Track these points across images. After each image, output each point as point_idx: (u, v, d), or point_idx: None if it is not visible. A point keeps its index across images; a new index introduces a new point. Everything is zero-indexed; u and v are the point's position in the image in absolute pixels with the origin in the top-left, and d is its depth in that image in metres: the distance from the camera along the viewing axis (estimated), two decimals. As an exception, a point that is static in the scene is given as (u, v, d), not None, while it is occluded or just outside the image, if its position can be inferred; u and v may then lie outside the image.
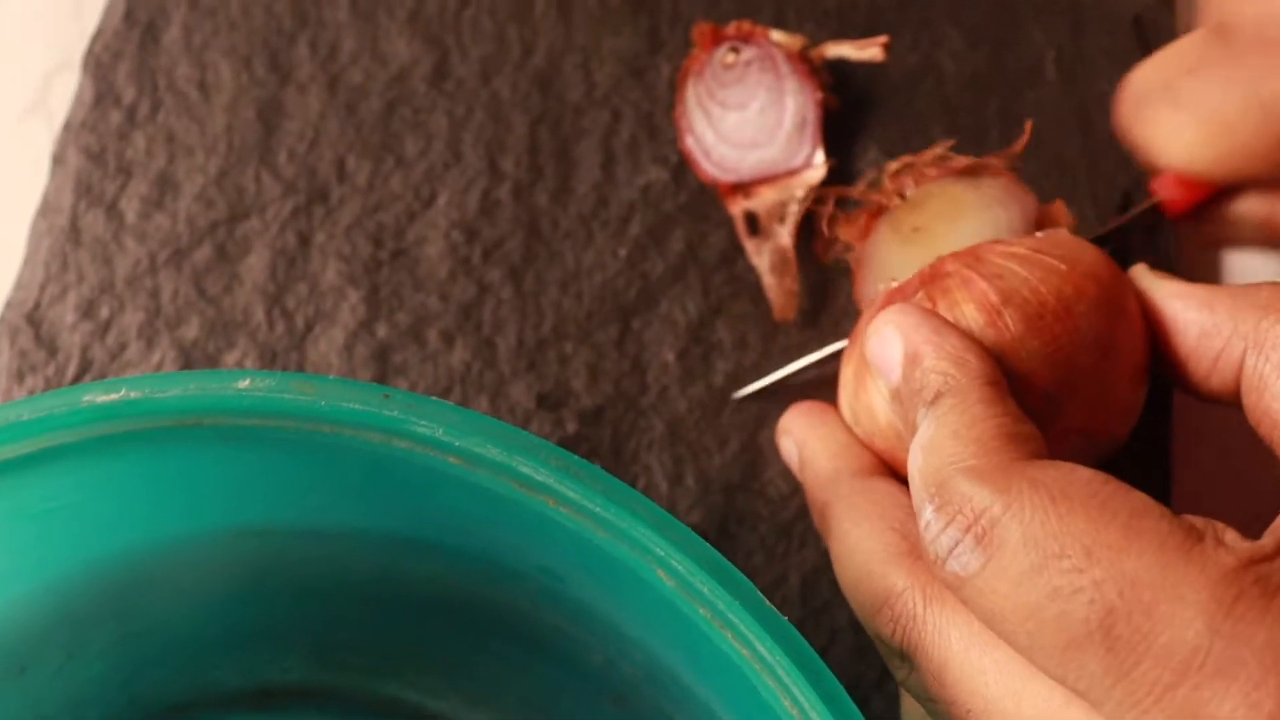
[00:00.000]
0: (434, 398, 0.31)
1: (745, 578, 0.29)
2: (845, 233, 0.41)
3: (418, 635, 0.39)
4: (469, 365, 0.44)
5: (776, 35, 0.45)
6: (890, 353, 0.33)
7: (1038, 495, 0.27)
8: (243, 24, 0.48)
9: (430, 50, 0.47)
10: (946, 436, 0.30)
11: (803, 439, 0.38)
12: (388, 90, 0.47)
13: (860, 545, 0.33)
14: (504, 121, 0.47)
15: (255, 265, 0.45)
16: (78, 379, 0.44)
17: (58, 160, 0.46)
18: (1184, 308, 0.34)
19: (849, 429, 0.37)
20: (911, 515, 0.32)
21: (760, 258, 0.44)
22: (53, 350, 0.44)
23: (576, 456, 0.30)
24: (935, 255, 0.37)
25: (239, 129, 0.47)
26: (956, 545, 0.28)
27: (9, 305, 0.44)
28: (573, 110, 0.47)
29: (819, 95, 0.45)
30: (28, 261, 0.45)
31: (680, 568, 0.29)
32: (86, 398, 0.31)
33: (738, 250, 0.45)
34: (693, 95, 0.46)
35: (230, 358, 0.44)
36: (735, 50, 0.45)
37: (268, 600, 0.39)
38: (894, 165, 0.41)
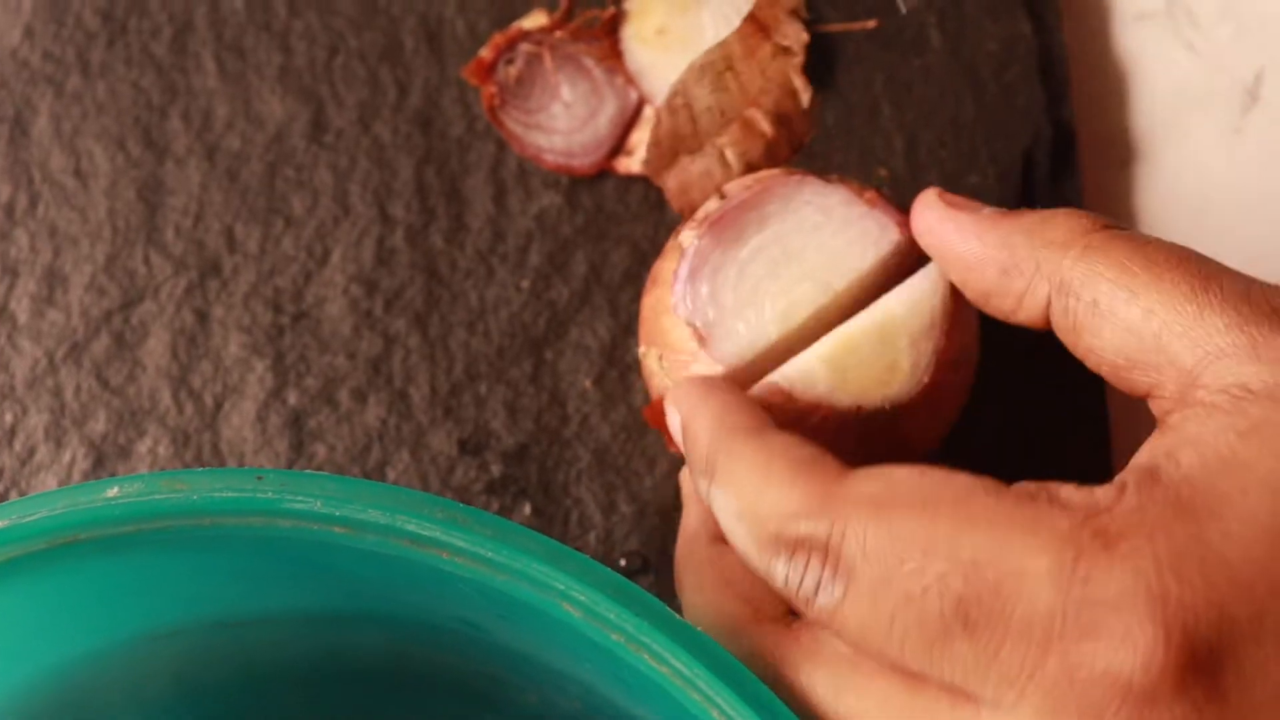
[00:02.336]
0: (309, 471, 0.31)
1: (652, 596, 0.29)
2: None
3: (360, 707, 0.39)
4: (385, 421, 0.43)
5: (526, 23, 0.45)
6: (676, 432, 0.34)
7: (861, 510, 0.27)
8: (111, 105, 0.47)
9: (305, 105, 0.47)
10: (749, 495, 0.30)
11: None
12: (267, 152, 0.46)
13: (704, 618, 0.33)
14: (389, 167, 0.46)
15: (156, 349, 0.44)
16: (-10, 490, 0.43)
17: (-60, 272, 0.45)
18: (981, 245, 0.33)
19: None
20: (757, 580, 0.31)
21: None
22: (-39, 464, 0.43)
23: (461, 505, 0.30)
24: (692, 52, 0.42)
25: (121, 212, 0.46)
26: (819, 583, 0.28)
27: (-91, 426, 0.44)
28: (457, 145, 0.46)
29: (604, 56, 0.45)
30: (-76, 378, 0.44)
31: (583, 597, 0.29)
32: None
33: (641, 265, 0.44)
34: (512, 123, 0.45)
35: (142, 446, 0.43)
36: (510, 62, 0.45)
37: (206, 697, 0.39)
38: None
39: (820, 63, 0.46)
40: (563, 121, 0.45)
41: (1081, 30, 0.49)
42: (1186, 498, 0.26)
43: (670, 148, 0.44)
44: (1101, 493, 0.26)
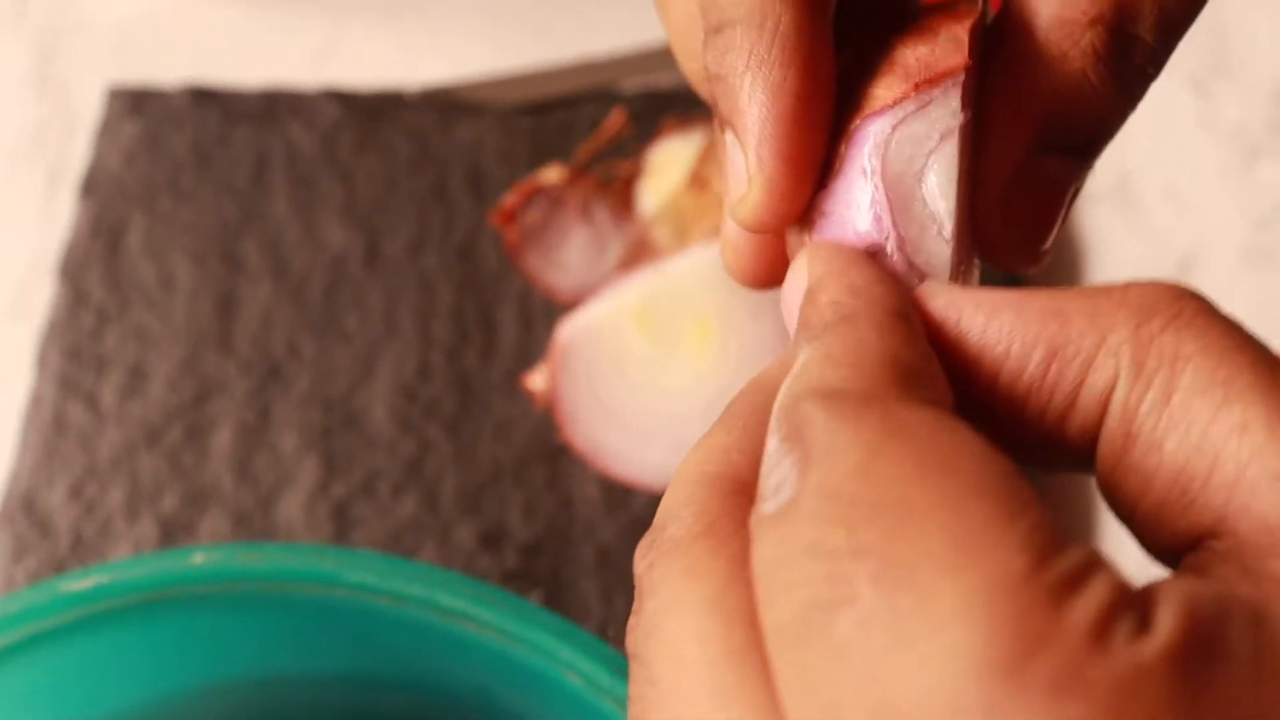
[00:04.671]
0: (363, 549, 0.37)
1: None
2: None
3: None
4: (417, 513, 0.50)
5: (544, 178, 0.52)
6: (794, 295, 0.25)
7: (883, 427, 0.19)
8: (195, 225, 0.54)
9: (362, 235, 0.54)
10: (818, 360, 0.22)
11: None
12: (328, 273, 0.53)
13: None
14: (432, 293, 0.53)
15: (222, 440, 0.51)
16: (70, 556, 0.49)
17: (42, 362, 0.52)
18: (1018, 320, 0.22)
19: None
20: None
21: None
22: (46, 531, 0.50)
23: (488, 585, 0.36)
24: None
25: (199, 319, 0.53)
26: (781, 480, 0.20)
27: (6, 495, 0.50)
28: (491, 277, 0.53)
29: (616, 205, 0.52)
30: (20, 453, 0.51)
31: (585, 668, 0.35)
32: (63, 586, 0.37)
33: (646, 391, 0.51)
34: (531, 262, 0.52)
35: (205, 524, 0.50)
36: (530, 209, 0.52)
37: None
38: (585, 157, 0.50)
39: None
40: (575, 262, 0.52)
41: (1040, 206, 0.56)
42: (1223, 687, 0.17)
43: None
44: (1124, 622, 0.17)
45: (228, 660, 0.42)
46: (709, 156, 0.51)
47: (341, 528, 0.49)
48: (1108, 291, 0.22)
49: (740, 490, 0.22)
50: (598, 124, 0.55)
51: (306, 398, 0.51)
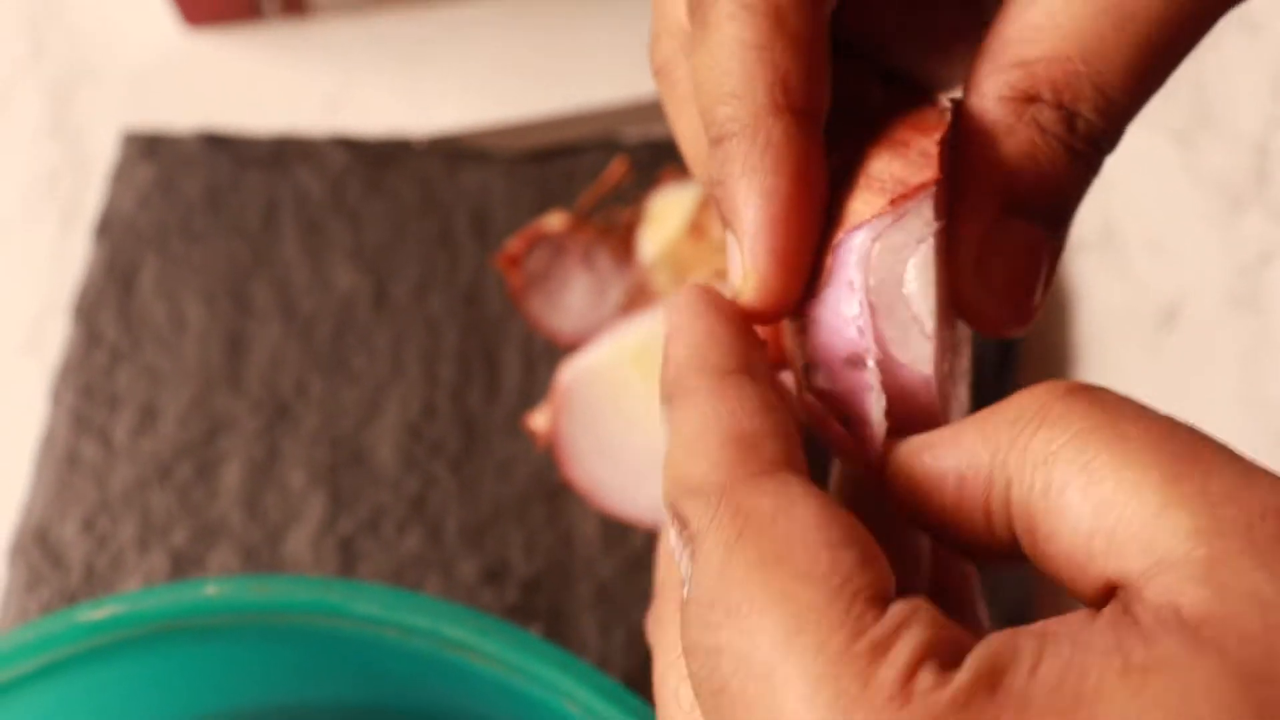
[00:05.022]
0: (369, 583, 0.38)
1: (635, 697, 0.36)
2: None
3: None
4: (421, 549, 0.51)
5: (547, 224, 0.53)
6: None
7: (733, 523, 0.23)
8: (207, 268, 0.55)
9: (370, 277, 0.55)
10: (679, 449, 0.25)
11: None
12: (336, 315, 0.55)
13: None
14: (438, 335, 0.54)
15: (231, 476, 0.52)
16: (82, 588, 0.50)
17: (56, 398, 0.53)
18: (933, 457, 0.25)
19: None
20: None
21: None
22: (58, 563, 0.51)
23: (491, 617, 0.38)
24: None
25: (209, 358, 0.54)
26: (686, 571, 0.24)
27: (20, 527, 0.51)
28: (495, 320, 0.55)
29: (616, 250, 0.53)
30: (33, 487, 0.52)
31: (583, 698, 0.36)
32: (80, 616, 0.39)
33: (645, 431, 0.52)
34: (533, 306, 0.53)
35: (214, 558, 0.51)
36: (533, 255, 0.53)
37: None
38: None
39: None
40: (576, 306, 0.54)
41: (1029, 254, 0.58)
42: None
43: None
44: (926, 675, 0.20)
45: (235, 691, 0.43)
46: (707, 205, 0.52)
47: (347, 562, 0.51)
48: (998, 409, 0.25)
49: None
50: (599, 172, 0.56)
51: (314, 436, 0.53)
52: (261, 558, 0.51)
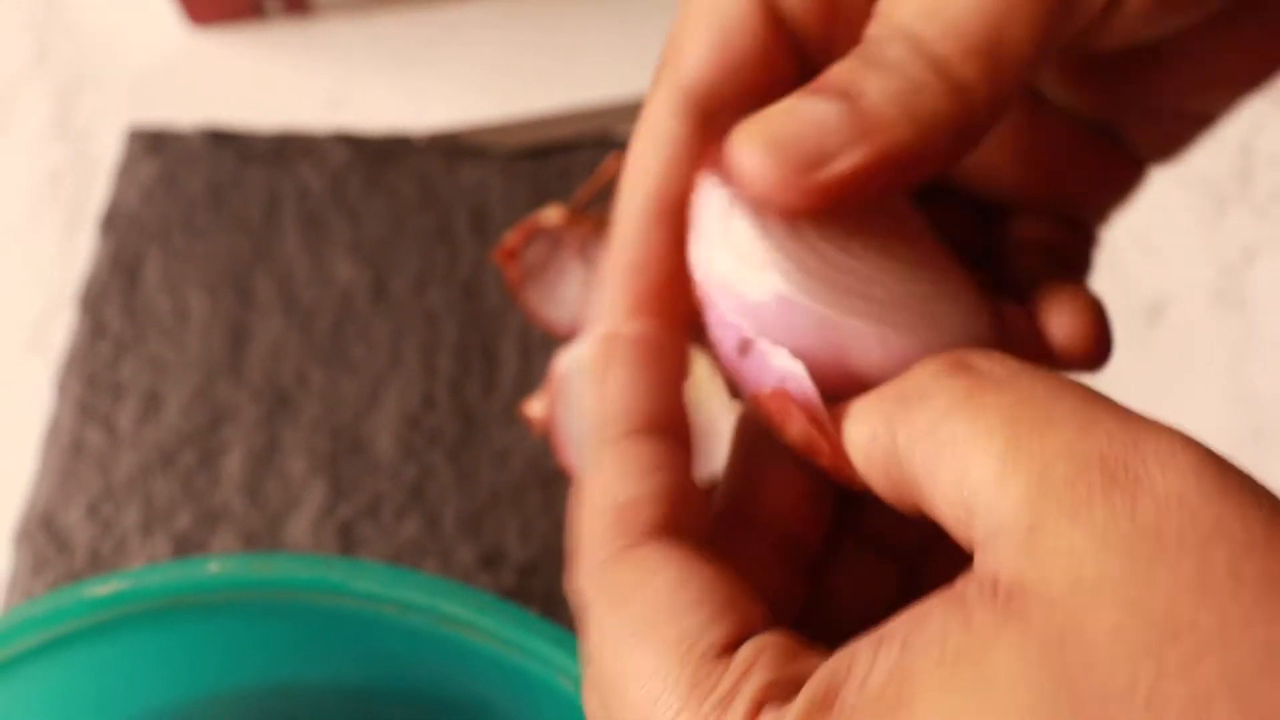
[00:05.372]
0: (369, 561, 0.39)
1: None
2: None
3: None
4: (419, 535, 0.52)
5: (543, 219, 0.54)
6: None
7: (603, 601, 0.25)
8: (210, 261, 0.56)
9: (369, 271, 0.56)
10: (582, 512, 0.27)
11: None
12: (336, 308, 0.56)
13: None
14: (436, 327, 0.55)
15: (233, 463, 0.53)
16: (86, 571, 0.51)
17: (62, 388, 0.54)
18: (852, 429, 0.26)
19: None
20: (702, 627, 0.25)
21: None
22: (63, 548, 0.52)
23: (485, 593, 0.38)
24: None
25: (212, 349, 0.55)
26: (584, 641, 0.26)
27: (26, 513, 0.52)
28: (493, 312, 0.56)
29: (606, 242, 0.54)
30: (40, 475, 0.53)
31: (576, 671, 0.37)
32: (87, 591, 0.40)
33: (639, 420, 0.53)
34: (530, 298, 0.54)
35: (216, 543, 0.52)
36: (529, 248, 0.54)
37: None
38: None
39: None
40: (572, 298, 0.55)
41: (1017, 251, 0.59)
42: None
43: None
44: (769, 714, 0.22)
45: (237, 668, 0.44)
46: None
47: (347, 548, 0.52)
48: (896, 384, 0.25)
49: None
50: (595, 168, 0.57)
51: (314, 425, 0.54)
52: (262, 543, 0.52)
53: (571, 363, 0.50)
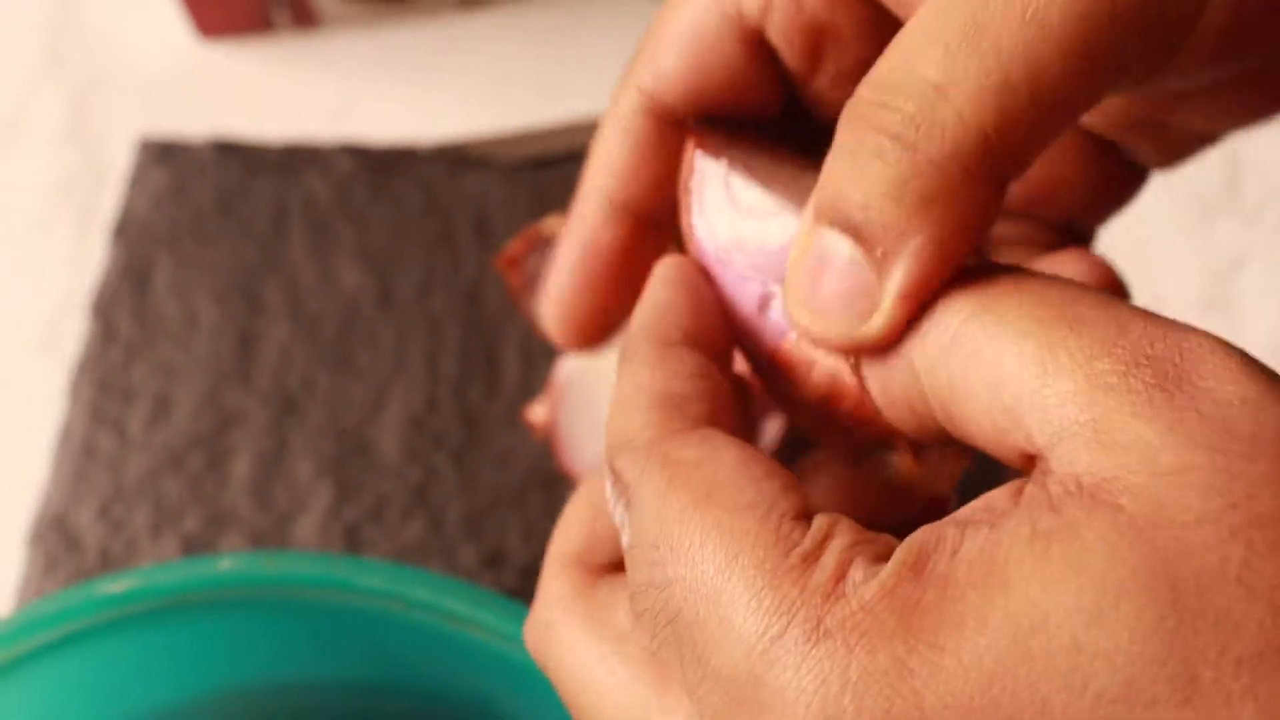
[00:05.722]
0: (376, 559, 0.40)
1: None
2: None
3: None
4: (423, 536, 0.53)
5: (544, 227, 0.55)
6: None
7: (663, 472, 0.25)
8: (218, 268, 0.58)
9: (375, 278, 0.58)
10: (616, 407, 0.28)
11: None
12: (342, 314, 0.57)
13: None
14: (440, 332, 0.57)
15: (241, 466, 0.54)
16: (97, 571, 0.52)
17: (74, 392, 0.55)
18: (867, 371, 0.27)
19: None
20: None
21: None
22: (74, 548, 0.53)
23: (490, 592, 0.40)
24: None
25: (221, 354, 0.56)
26: (621, 522, 0.27)
27: (39, 514, 0.54)
28: (496, 318, 0.57)
29: None
30: (52, 477, 0.54)
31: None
32: (100, 588, 0.41)
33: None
34: (532, 306, 0.55)
35: (224, 544, 0.53)
36: (531, 256, 0.55)
37: None
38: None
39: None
40: None
41: (1009, 259, 0.60)
42: (926, 605, 0.21)
43: None
44: (856, 570, 0.22)
45: (245, 665, 0.45)
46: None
47: (352, 548, 0.53)
48: None
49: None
50: (596, 177, 0.59)
51: (321, 428, 0.55)
52: (270, 544, 0.53)
53: (572, 368, 0.52)
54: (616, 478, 0.27)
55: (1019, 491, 0.22)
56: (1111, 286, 0.31)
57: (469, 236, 0.58)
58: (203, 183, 0.60)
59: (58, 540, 0.53)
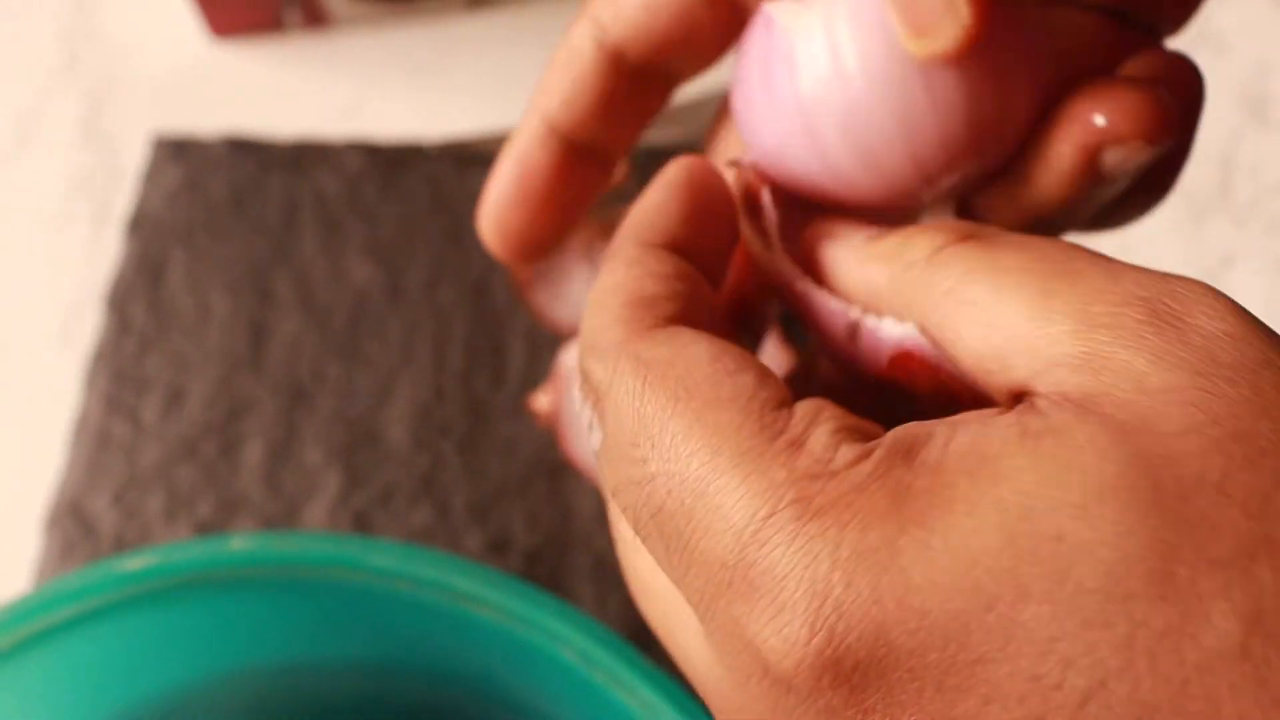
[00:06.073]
0: (384, 539, 0.41)
1: (628, 644, 0.39)
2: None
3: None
4: (430, 522, 0.54)
5: None
6: None
7: (636, 372, 0.25)
8: (231, 262, 0.59)
9: (384, 272, 0.59)
10: (590, 306, 0.28)
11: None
12: (352, 306, 0.58)
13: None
14: (447, 325, 0.58)
15: (252, 454, 0.56)
16: (111, 555, 0.54)
17: (90, 382, 0.57)
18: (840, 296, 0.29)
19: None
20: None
21: None
22: (90, 533, 0.54)
23: (496, 570, 0.41)
24: None
25: (233, 345, 0.58)
26: (590, 422, 0.27)
27: (55, 500, 0.55)
28: (502, 311, 0.58)
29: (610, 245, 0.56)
30: (68, 464, 0.56)
31: (580, 643, 0.40)
32: (118, 566, 0.42)
33: (640, 415, 0.56)
34: (537, 298, 0.57)
35: (236, 528, 0.54)
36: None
37: None
38: None
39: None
40: (577, 298, 0.57)
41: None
42: (917, 489, 0.22)
43: None
44: (845, 452, 0.23)
45: (257, 644, 0.46)
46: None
47: (361, 534, 0.54)
48: (901, 250, 0.27)
49: None
50: (600, 174, 0.60)
51: (330, 417, 0.56)
52: (280, 529, 0.54)
53: (574, 358, 0.53)
54: (585, 379, 0.27)
55: (1000, 410, 0.23)
56: (1189, 83, 0.30)
57: (475, 232, 0.60)
58: (215, 179, 0.61)
59: (74, 525, 0.54)
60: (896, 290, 0.27)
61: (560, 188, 0.35)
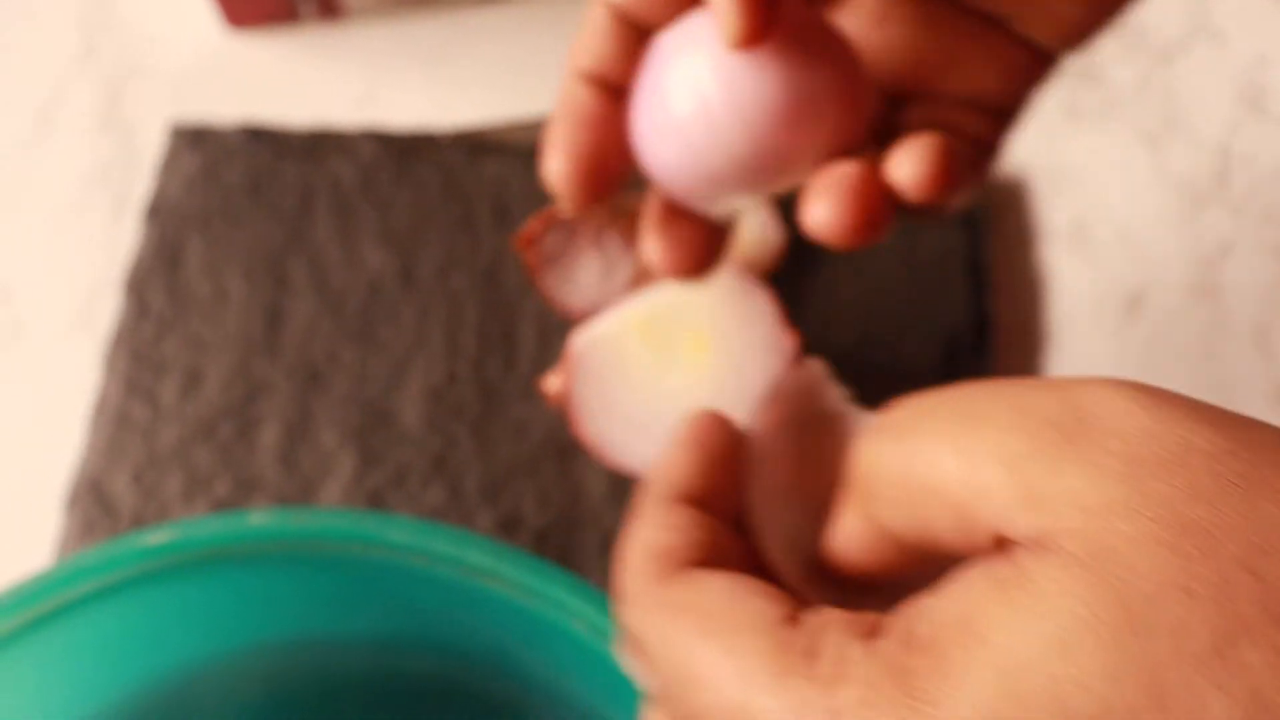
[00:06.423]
0: (400, 515, 0.42)
1: None
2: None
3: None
4: (442, 502, 0.56)
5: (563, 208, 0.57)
6: None
7: (661, 618, 0.28)
8: (247, 248, 0.60)
9: (397, 257, 0.60)
10: (621, 566, 0.30)
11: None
12: (366, 291, 0.60)
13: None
14: (460, 310, 0.59)
15: (269, 435, 0.57)
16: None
17: (109, 365, 0.58)
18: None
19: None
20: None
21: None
22: (109, 512, 0.56)
23: (506, 545, 0.42)
24: None
25: (249, 329, 0.59)
26: (641, 671, 0.29)
27: (76, 480, 0.56)
28: (513, 297, 0.59)
29: (626, 233, 0.57)
30: (88, 445, 0.57)
31: (591, 615, 0.41)
32: (142, 540, 0.43)
33: (648, 398, 0.57)
34: (548, 283, 0.58)
35: (253, 508, 0.55)
36: (548, 236, 0.58)
37: (286, 710, 0.49)
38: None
39: (801, 248, 0.59)
40: (587, 283, 0.58)
41: (1006, 243, 0.63)
42: (921, 671, 0.23)
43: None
44: (854, 651, 0.25)
45: (275, 619, 0.46)
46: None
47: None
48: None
49: None
50: (609, 163, 0.61)
51: (345, 399, 0.57)
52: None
53: (586, 341, 0.54)
54: (626, 633, 0.29)
55: (978, 562, 0.25)
56: (950, 157, 0.34)
57: (487, 218, 0.61)
58: (232, 167, 0.62)
59: (94, 504, 0.56)
60: (852, 507, 0.29)
61: (609, 117, 0.37)
